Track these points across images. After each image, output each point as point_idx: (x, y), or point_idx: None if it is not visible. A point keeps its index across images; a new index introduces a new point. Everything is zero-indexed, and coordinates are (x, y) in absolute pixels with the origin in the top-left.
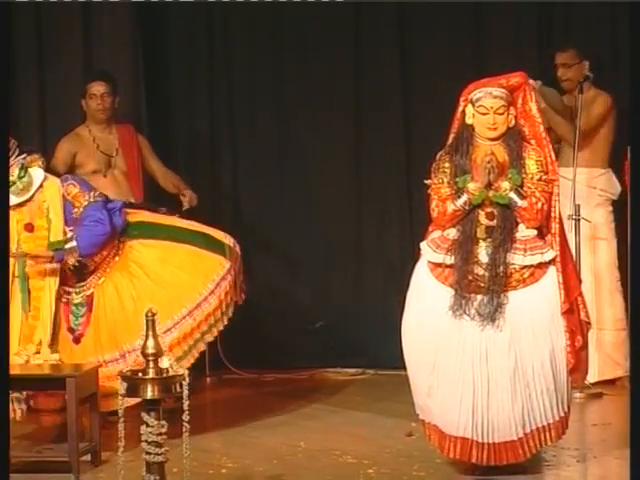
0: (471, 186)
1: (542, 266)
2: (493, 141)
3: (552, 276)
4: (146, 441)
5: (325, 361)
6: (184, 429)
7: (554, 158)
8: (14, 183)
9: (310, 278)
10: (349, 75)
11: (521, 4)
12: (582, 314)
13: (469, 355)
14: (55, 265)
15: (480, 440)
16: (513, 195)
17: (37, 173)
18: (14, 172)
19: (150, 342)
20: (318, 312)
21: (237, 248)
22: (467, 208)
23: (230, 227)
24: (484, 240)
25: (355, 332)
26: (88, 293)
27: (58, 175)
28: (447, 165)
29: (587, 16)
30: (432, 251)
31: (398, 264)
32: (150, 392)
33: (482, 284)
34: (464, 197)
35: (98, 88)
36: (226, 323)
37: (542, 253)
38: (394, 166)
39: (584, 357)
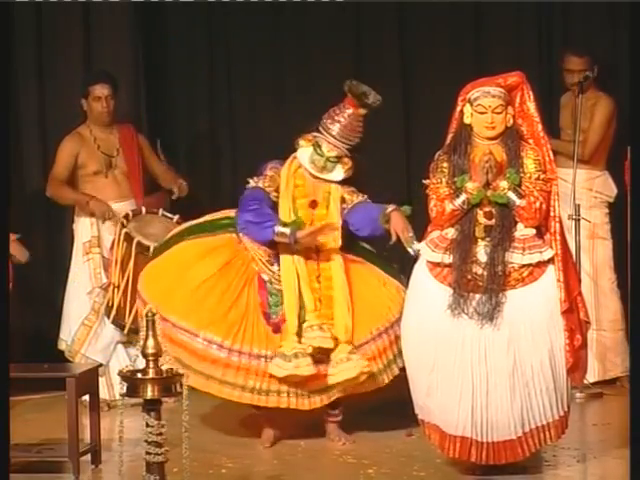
0: (469, 186)
1: (541, 265)
2: (491, 140)
3: (551, 275)
4: (146, 441)
5: None
6: (184, 429)
7: (552, 157)
8: (322, 155)
9: None
10: (349, 75)
11: (521, 4)
12: (581, 313)
13: (468, 354)
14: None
15: (479, 439)
16: (511, 194)
17: (338, 173)
18: (332, 152)
19: (150, 342)
20: None
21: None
22: (466, 207)
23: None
24: (483, 239)
25: None
26: None
27: (61, 179)
28: (445, 165)
29: (587, 16)
30: (431, 250)
31: (398, 264)
32: (150, 392)
33: (481, 283)
34: (462, 197)
35: (102, 90)
36: None
37: (541, 252)
38: (394, 166)
39: (583, 356)
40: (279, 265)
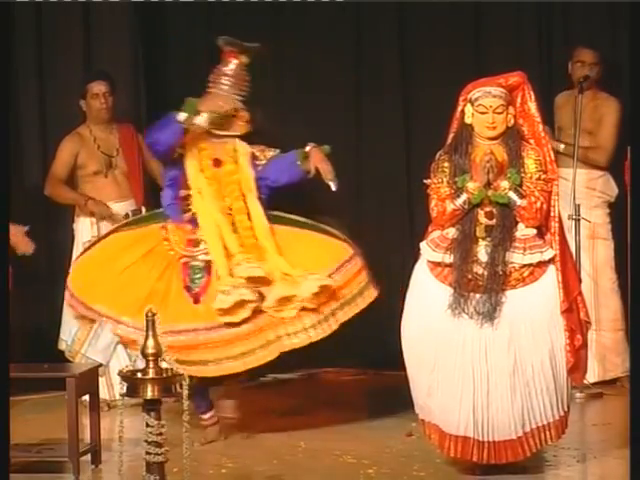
0: (470, 185)
1: (541, 265)
2: (492, 140)
3: (552, 275)
4: (146, 441)
5: (325, 361)
6: (184, 429)
7: (553, 157)
8: (219, 113)
9: None
10: (349, 74)
11: (521, 4)
12: (582, 313)
13: (469, 354)
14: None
15: (480, 439)
16: (512, 194)
17: (238, 127)
18: (227, 106)
19: (150, 342)
20: None
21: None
22: (466, 207)
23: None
24: (483, 239)
25: (355, 332)
26: (207, 258)
27: (60, 178)
28: (446, 165)
29: (587, 16)
30: (431, 250)
31: (398, 264)
32: (150, 392)
33: (481, 283)
34: (463, 196)
35: (100, 87)
36: (359, 311)
37: (541, 252)
38: (394, 166)
39: (583, 356)
40: (198, 247)
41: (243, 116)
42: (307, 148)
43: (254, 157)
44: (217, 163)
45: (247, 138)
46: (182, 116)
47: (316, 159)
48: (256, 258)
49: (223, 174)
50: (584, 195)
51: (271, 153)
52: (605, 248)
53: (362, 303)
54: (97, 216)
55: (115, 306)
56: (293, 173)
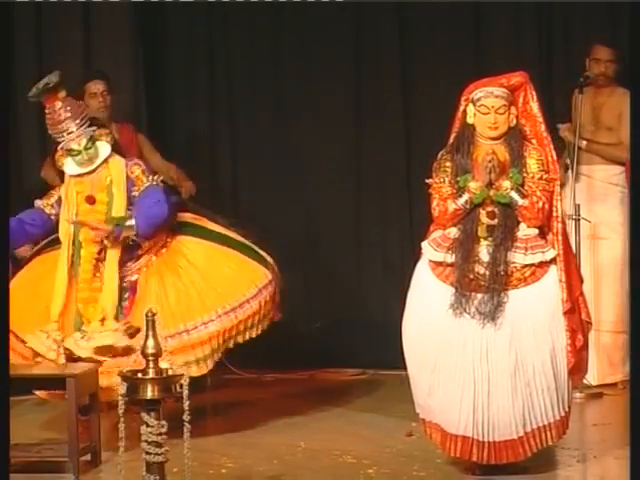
0: (472, 185)
1: (543, 265)
2: (494, 140)
3: (553, 275)
4: (146, 441)
5: (325, 361)
6: (185, 429)
7: (555, 157)
8: (79, 153)
9: (310, 278)
10: (349, 75)
11: (521, 4)
12: (583, 314)
13: (470, 354)
14: (113, 240)
15: (481, 439)
16: (514, 194)
17: (104, 148)
18: (81, 142)
19: (150, 342)
20: (318, 312)
21: (276, 269)
22: (468, 207)
23: (230, 227)
24: (485, 239)
25: (355, 332)
26: (132, 279)
27: (58, 173)
28: (448, 164)
29: (587, 16)
30: (433, 250)
31: (398, 264)
32: (150, 392)
33: (483, 283)
34: (465, 196)
35: (97, 86)
36: (258, 333)
37: (543, 252)
38: (394, 166)
39: (584, 357)
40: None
41: (102, 134)
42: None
43: (132, 182)
44: (90, 200)
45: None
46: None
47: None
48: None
49: (97, 210)
50: (605, 191)
51: (147, 180)
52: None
53: (258, 330)
54: None
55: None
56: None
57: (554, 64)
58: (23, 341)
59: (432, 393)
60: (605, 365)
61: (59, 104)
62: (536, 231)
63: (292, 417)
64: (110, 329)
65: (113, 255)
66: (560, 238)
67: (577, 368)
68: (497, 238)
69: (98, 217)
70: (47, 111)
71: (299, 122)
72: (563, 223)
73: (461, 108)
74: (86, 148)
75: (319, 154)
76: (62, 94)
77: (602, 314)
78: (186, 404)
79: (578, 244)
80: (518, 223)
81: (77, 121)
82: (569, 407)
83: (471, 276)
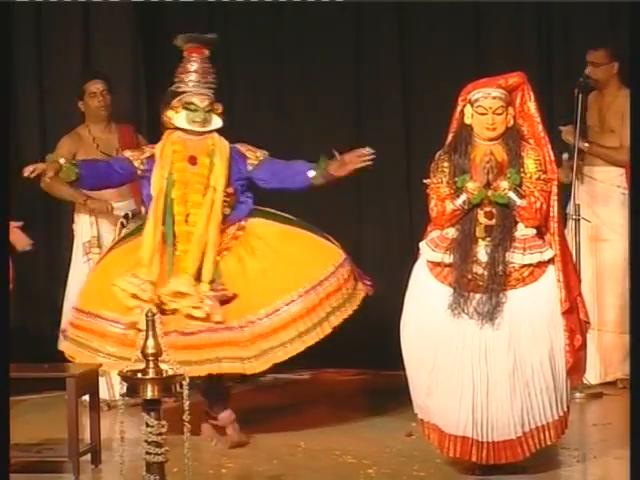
0: (470, 185)
1: (541, 265)
2: (492, 141)
3: (551, 275)
4: (146, 441)
5: (325, 361)
6: (185, 429)
7: (553, 157)
8: (197, 110)
9: None
10: (349, 75)
11: (521, 4)
12: (581, 314)
13: (468, 354)
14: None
15: (479, 439)
16: (512, 194)
17: (217, 120)
18: (204, 101)
19: (150, 342)
20: None
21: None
22: (466, 207)
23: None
24: (483, 239)
25: (355, 332)
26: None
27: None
28: (446, 165)
29: (587, 16)
30: (431, 250)
31: (398, 264)
32: (150, 392)
33: (481, 283)
34: (463, 196)
35: (97, 86)
36: (351, 313)
37: (541, 252)
38: (394, 166)
39: (583, 357)
40: None
41: (217, 109)
42: (323, 161)
43: (243, 156)
44: (192, 160)
45: (224, 132)
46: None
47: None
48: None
49: (195, 172)
50: (606, 192)
51: (259, 154)
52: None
53: (350, 308)
54: (98, 212)
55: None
56: (298, 182)
57: (554, 64)
58: (98, 316)
59: (431, 393)
60: (605, 364)
61: (197, 59)
62: (534, 231)
63: (292, 417)
64: (205, 290)
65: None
66: (557, 238)
67: (575, 368)
68: (495, 238)
69: (198, 179)
70: (184, 60)
71: (299, 122)
72: (560, 223)
73: (459, 108)
74: (205, 109)
75: (319, 154)
76: (206, 53)
77: (603, 315)
78: (186, 404)
79: (578, 244)
80: (516, 223)
81: (207, 79)
82: (568, 407)
83: (469, 276)
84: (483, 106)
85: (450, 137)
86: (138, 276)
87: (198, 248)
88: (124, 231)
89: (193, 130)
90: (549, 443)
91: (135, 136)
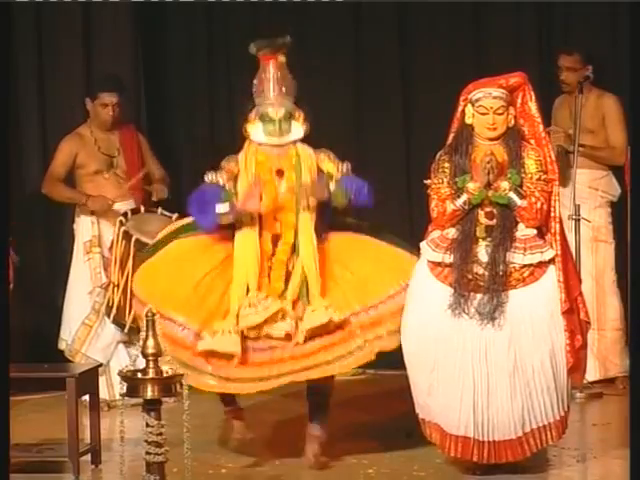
0: (471, 186)
1: (542, 265)
2: (493, 141)
3: (552, 275)
4: (146, 441)
5: None
6: (184, 429)
7: (553, 158)
8: (272, 121)
9: None
10: (349, 75)
11: (521, 4)
12: (582, 314)
13: (469, 354)
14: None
15: (480, 438)
16: (512, 195)
17: (297, 129)
18: (279, 112)
19: (150, 342)
20: None
21: None
22: (466, 208)
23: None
24: (484, 239)
25: None
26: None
27: (57, 177)
28: (447, 165)
29: (587, 16)
30: (431, 250)
31: None
32: (150, 392)
33: (482, 283)
34: (464, 197)
35: (111, 99)
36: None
37: (542, 252)
38: (394, 166)
39: (583, 357)
40: None
41: (299, 116)
42: None
43: (323, 172)
44: (279, 173)
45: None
46: (220, 208)
47: None
48: (276, 289)
49: (285, 183)
50: (587, 195)
51: (342, 169)
52: (607, 248)
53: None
54: (99, 211)
55: (194, 318)
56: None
57: (554, 64)
58: (171, 319)
59: (432, 393)
60: (604, 363)
61: (274, 65)
62: (535, 231)
63: (292, 417)
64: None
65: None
66: (558, 238)
67: (576, 368)
68: (496, 238)
69: (287, 196)
70: (261, 68)
71: None
72: (561, 223)
73: (460, 108)
74: (281, 121)
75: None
76: (282, 59)
77: (602, 313)
78: (186, 404)
79: (578, 244)
80: (517, 223)
81: (283, 89)
82: (568, 407)
83: (470, 276)
84: (484, 106)
85: (451, 137)
86: (255, 303)
87: (295, 267)
88: (182, 222)
89: (272, 144)
90: (550, 443)
91: (136, 136)
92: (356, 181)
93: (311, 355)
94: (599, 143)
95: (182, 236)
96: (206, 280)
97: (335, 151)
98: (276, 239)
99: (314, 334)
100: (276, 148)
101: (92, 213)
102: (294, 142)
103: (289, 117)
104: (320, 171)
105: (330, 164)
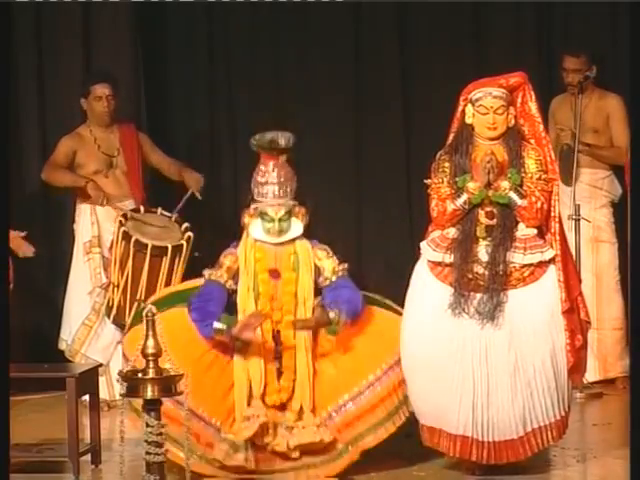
0: (471, 185)
1: (542, 265)
2: (493, 141)
3: (552, 275)
4: (146, 441)
5: None
6: (185, 429)
7: (553, 157)
8: (272, 221)
9: None
10: (349, 75)
11: (521, 4)
12: (582, 313)
13: (469, 354)
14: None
15: (480, 439)
16: (513, 194)
17: (297, 226)
18: (279, 212)
19: (150, 342)
20: None
21: None
22: (467, 207)
23: (230, 227)
24: (484, 239)
25: None
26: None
27: (58, 164)
28: (447, 165)
29: (587, 16)
30: (432, 250)
31: (398, 264)
32: (150, 392)
33: (482, 282)
34: (464, 196)
35: (103, 90)
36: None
37: (542, 252)
38: (394, 166)
39: (583, 356)
40: None
41: (299, 212)
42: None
43: (319, 269)
44: (274, 274)
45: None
46: (217, 326)
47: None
48: (287, 389)
49: (281, 285)
50: (590, 194)
51: (338, 271)
52: (609, 248)
53: (392, 427)
54: (93, 200)
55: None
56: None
57: (554, 64)
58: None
59: (431, 393)
60: (602, 362)
61: (275, 165)
62: (535, 231)
63: None
64: (310, 424)
65: (307, 341)
66: (558, 238)
67: (576, 368)
68: (496, 238)
69: (286, 298)
70: (261, 165)
71: (299, 122)
72: (561, 223)
73: (460, 108)
74: (280, 220)
75: (319, 154)
76: (283, 158)
77: (604, 313)
78: (186, 404)
79: (578, 244)
80: (517, 223)
81: (284, 190)
82: (569, 407)
83: (470, 276)
84: (484, 105)
85: (451, 137)
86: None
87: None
88: (174, 289)
89: (270, 242)
90: (551, 443)
91: (136, 135)
92: (350, 294)
93: (298, 459)
94: (603, 142)
95: (176, 305)
96: (202, 363)
97: (335, 151)
98: (278, 337)
99: (302, 449)
100: (273, 245)
101: (90, 202)
102: (293, 240)
103: (289, 216)
104: (317, 268)
105: (328, 261)
